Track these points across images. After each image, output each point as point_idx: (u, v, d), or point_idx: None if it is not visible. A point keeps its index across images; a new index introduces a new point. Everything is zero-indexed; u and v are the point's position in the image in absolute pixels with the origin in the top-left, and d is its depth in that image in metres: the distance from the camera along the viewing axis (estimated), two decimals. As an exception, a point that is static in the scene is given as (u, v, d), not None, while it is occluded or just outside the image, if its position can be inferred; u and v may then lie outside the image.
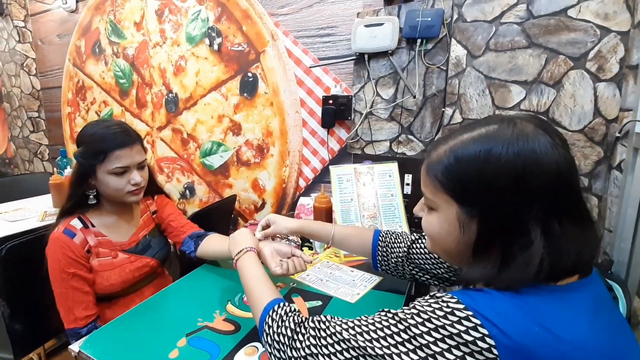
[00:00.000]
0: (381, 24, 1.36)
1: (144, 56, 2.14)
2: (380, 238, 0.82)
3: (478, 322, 0.37)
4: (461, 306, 0.39)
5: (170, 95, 2.09)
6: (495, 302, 0.39)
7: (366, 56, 1.44)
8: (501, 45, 1.15)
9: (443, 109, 1.32)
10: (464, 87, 1.23)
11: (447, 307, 0.39)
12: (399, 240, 0.79)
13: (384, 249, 0.80)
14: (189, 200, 2.17)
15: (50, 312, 0.90)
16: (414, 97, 1.39)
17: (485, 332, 0.36)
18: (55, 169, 1.73)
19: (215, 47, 1.84)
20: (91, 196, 0.92)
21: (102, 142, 0.88)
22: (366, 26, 1.38)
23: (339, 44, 1.55)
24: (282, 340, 0.53)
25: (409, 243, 0.77)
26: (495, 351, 0.35)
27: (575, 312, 0.39)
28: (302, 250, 1.14)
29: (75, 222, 0.90)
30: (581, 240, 0.41)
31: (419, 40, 1.32)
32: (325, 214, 1.22)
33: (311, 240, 1.17)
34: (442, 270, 0.71)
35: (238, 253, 0.75)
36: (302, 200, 1.49)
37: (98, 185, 0.91)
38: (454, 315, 0.38)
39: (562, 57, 1.08)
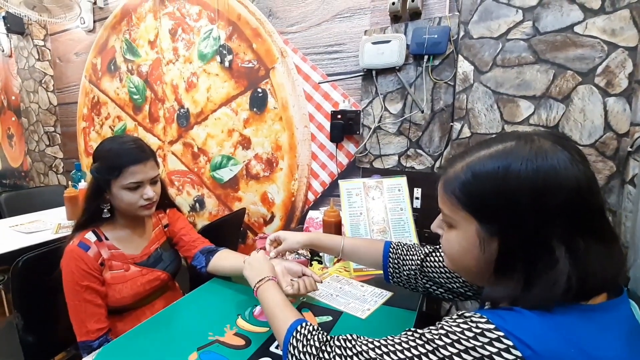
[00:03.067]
0: (388, 41, 1.39)
1: (157, 73, 2.21)
2: (391, 250, 0.81)
3: (510, 343, 0.36)
4: (492, 326, 0.37)
5: (181, 110, 2.14)
6: (528, 322, 0.37)
7: (374, 72, 1.46)
8: (508, 61, 1.16)
9: (451, 124, 1.33)
10: (472, 102, 1.24)
11: (477, 327, 0.38)
12: (411, 253, 0.78)
13: (395, 261, 0.79)
14: (198, 213, 2.19)
15: (62, 325, 0.91)
16: (422, 112, 1.40)
17: (519, 354, 0.35)
18: (69, 182, 1.77)
19: (226, 64, 1.89)
20: (105, 210, 0.94)
21: (118, 158, 0.90)
22: (374, 43, 1.41)
23: (347, 61, 1.58)
24: None
25: (422, 256, 0.76)
26: None
27: (610, 333, 0.38)
28: (312, 265, 1.14)
29: (90, 235, 0.91)
30: (606, 258, 0.40)
31: (426, 57, 1.34)
32: (334, 227, 1.22)
33: (320, 254, 1.17)
34: (457, 284, 0.70)
35: (259, 282, 0.75)
36: (311, 213, 1.49)
37: (112, 199, 0.93)
38: (485, 336, 0.37)
39: (570, 73, 1.09)
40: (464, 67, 1.24)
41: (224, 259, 1.03)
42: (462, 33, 1.23)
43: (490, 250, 0.43)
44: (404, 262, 0.78)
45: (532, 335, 0.36)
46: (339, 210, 1.25)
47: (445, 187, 0.47)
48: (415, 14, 1.38)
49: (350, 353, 0.48)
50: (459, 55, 1.24)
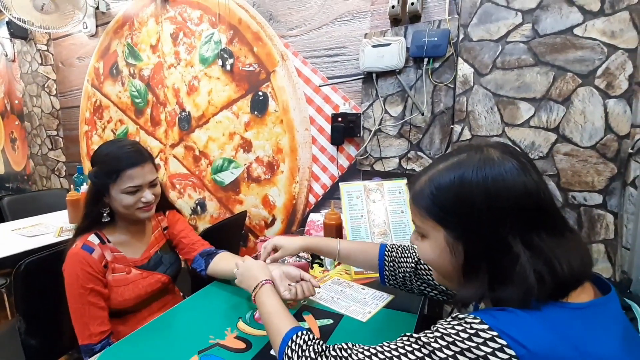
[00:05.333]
0: (388, 44, 1.39)
1: (159, 77, 2.22)
2: (386, 252, 0.81)
3: (504, 342, 0.37)
4: (485, 327, 0.38)
5: (183, 113, 2.15)
6: (521, 321, 0.38)
7: (374, 75, 1.47)
8: (508, 63, 1.16)
9: (452, 126, 1.33)
10: (472, 104, 1.24)
11: (471, 328, 0.39)
12: (405, 255, 0.79)
13: (391, 264, 0.80)
14: (200, 216, 2.19)
15: (64, 328, 0.91)
16: (422, 114, 1.41)
17: (513, 352, 0.36)
18: (72, 186, 1.78)
19: (227, 67, 1.90)
20: (105, 214, 0.95)
21: (115, 161, 0.90)
22: (374, 46, 1.42)
23: (348, 64, 1.59)
24: None
25: (416, 258, 0.77)
26: None
27: (602, 331, 0.39)
28: (313, 268, 1.14)
29: (93, 238, 0.92)
30: (566, 249, 0.42)
31: (426, 59, 1.35)
32: (335, 230, 1.22)
33: (321, 257, 1.17)
34: None
35: (254, 289, 0.75)
36: (312, 216, 1.49)
37: (111, 203, 0.93)
38: (479, 336, 0.38)
39: (570, 75, 1.09)
40: (464, 69, 1.24)
41: (223, 262, 1.03)
42: (461, 36, 1.23)
43: (459, 254, 0.46)
44: (399, 264, 0.79)
45: (525, 334, 0.37)
46: (339, 213, 1.25)
47: (414, 201, 0.51)
48: (415, 17, 1.38)
49: None
50: (459, 58, 1.25)
